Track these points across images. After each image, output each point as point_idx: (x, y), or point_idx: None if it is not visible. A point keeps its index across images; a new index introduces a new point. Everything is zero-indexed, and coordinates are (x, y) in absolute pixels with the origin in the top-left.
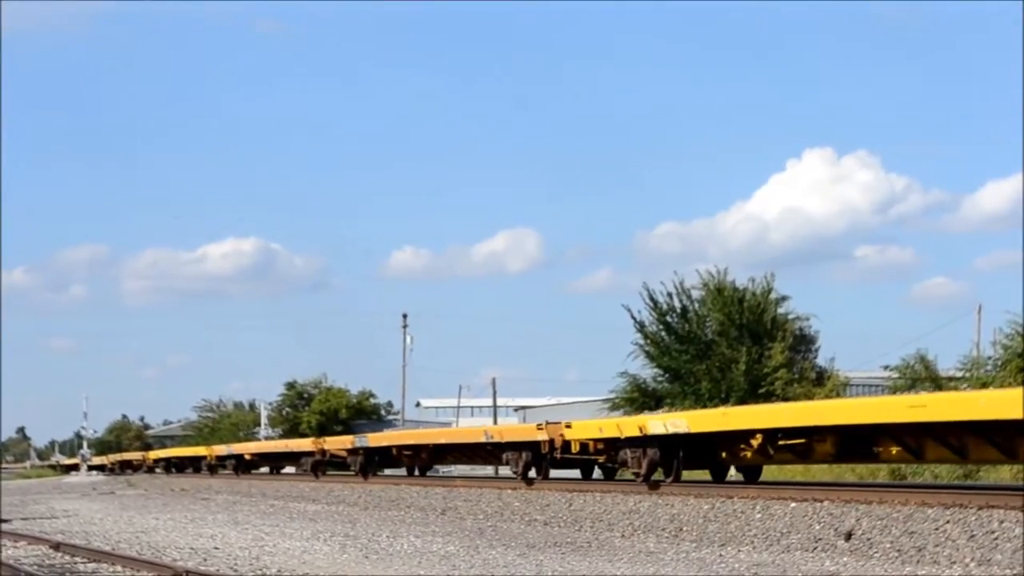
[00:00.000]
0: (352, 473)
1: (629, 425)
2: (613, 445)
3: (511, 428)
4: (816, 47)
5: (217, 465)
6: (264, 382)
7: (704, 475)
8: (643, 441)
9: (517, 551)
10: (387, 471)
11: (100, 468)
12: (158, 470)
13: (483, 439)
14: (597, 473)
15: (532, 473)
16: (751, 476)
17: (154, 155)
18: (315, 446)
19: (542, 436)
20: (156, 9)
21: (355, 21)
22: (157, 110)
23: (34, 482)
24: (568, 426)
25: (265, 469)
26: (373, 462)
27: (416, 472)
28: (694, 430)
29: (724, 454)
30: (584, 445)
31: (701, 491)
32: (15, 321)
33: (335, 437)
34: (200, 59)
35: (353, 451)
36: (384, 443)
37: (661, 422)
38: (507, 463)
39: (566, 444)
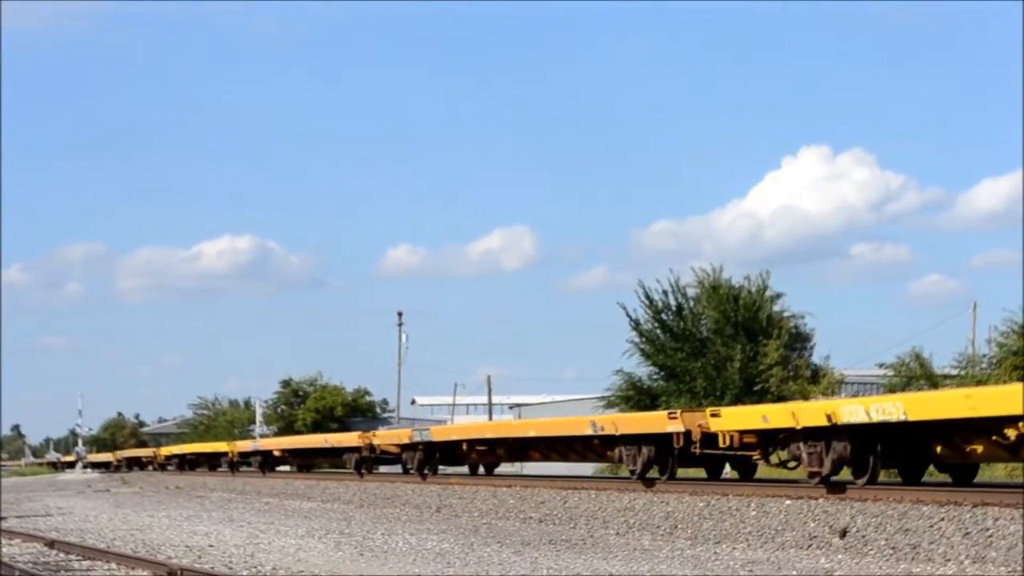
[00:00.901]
0: (405, 471)
1: (810, 412)
2: (771, 438)
3: (630, 418)
4: (812, 45)
5: (240, 462)
6: (259, 380)
7: (700, 472)
8: (827, 432)
9: (512, 548)
10: (448, 469)
11: (106, 465)
12: (170, 467)
13: (590, 431)
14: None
15: (654, 472)
16: (963, 478)
17: (150, 153)
18: (362, 441)
19: (675, 427)
20: (153, 8)
21: (352, 21)
22: (154, 108)
23: (29, 479)
24: (715, 414)
25: (284, 468)
26: (434, 459)
27: (481, 470)
28: (912, 418)
29: (940, 448)
30: (731, 437)
31: (696, 488)
32: (10, 319)
33: (387, 431)
34: (197, 58)
35: (409, 446)
36: (453, 436)
37: (862, 407)
38: (621, 460)
39: (708, 436)
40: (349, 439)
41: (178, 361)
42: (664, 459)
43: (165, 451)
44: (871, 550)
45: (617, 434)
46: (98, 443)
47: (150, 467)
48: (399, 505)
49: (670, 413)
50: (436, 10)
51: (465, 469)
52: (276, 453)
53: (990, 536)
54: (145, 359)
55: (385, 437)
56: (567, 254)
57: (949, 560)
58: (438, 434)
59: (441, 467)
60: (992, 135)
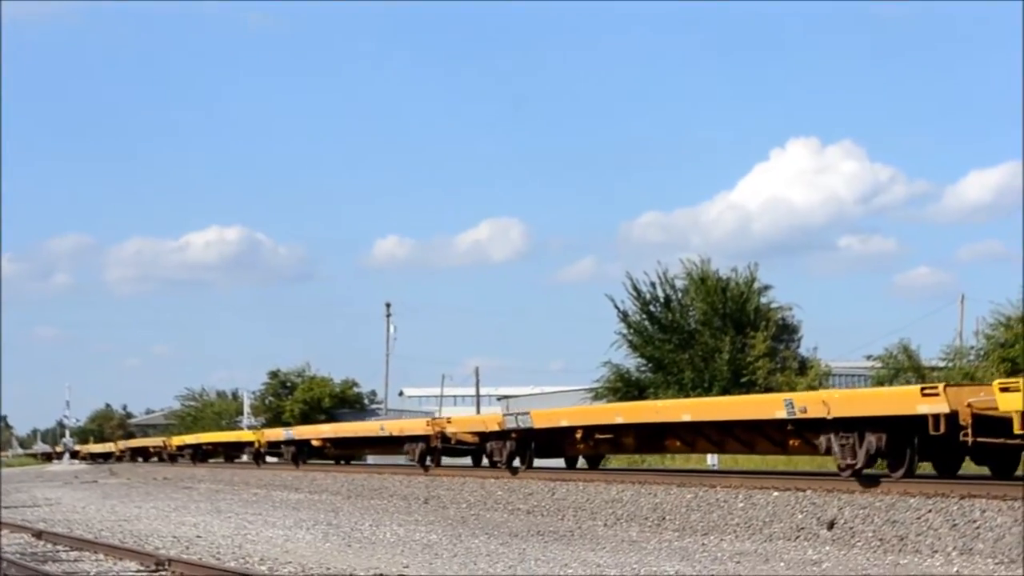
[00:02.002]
0: (491, 464)
1: None
2: None
3: (852, 396)
4: (802, 38)
5: (267, 452)
6: (247, 371)
7: (686, 462)
8: None
9: (500, 540)
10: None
11: (107, 456)
12: (182, 458)
13: (782, 413)
14: None
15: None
16: None
17: (139, 145)
18: (432, 428)
19: (932, 406)
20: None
21: (340, 14)
22: (143, 101)
23: (16, 470)
24: (1008, 387)
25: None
26: (529, 450)
27: (580, 463)
28: None
29: None
30: None
31: (684, 480)
32: None
33: (467, 416)
34: (188, 51)
35: (496, 435)
36: (563, 422)
37: None
38: (828, 451)
39: (984, 420)
40: (414, 426)
41: (166, 352)
42: (899, 450)
43: (177, 440)
44: (859, 542)
45: (828, 417)
46: (85, 434)
47: (155, 459)
48: (387, 496)
49: (924, 388)
50: (425, 3)
51: (557, 462)
52: (315, 442)
53: (977, 528)
54: (133, 350)
55: (463, 424)
56: (555, 246)
57: (936, 552)
58: (541, 419)
59: (536, 460)
60: (981, 127)
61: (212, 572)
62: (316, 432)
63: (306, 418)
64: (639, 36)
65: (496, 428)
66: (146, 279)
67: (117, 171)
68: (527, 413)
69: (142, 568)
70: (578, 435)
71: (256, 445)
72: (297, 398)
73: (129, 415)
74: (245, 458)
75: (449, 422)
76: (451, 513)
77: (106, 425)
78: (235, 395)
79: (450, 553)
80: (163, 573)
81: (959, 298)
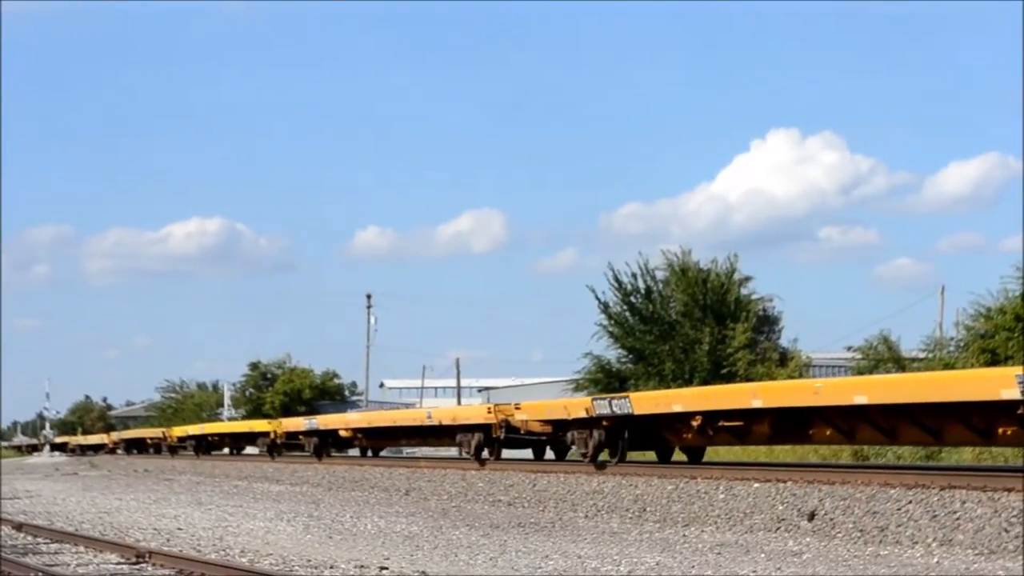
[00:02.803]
0: (581, 456)
1: None
2: None
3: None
4: (782, 29)
5: (283, 444)
6: (228, 363)
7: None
8: None
9: (481, 531)
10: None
11: (97, 448)
12: (183, 451)
13: (1005, 394)
14: None
15: None
16: None
17: (119, 135)
18: (495, 416)
19: None
20: None
21: (321, 7)
22: (122, 90)
23: None
24: None
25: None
26: (621, 440)
27: (688, 458)
28: None
29: None
30: None
31: (665, 471)
32: None
33: (537, 402)
34: (167, 41)
35: (581, 422)
36: (675, 407)
37: None
38: None
39: None
40: (470, 414)
41: (146, 344)
42: None
43: (179, 431)
44: (839, 532)
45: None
46: (66, 426)
47: (152, 451)
48: (367, 488)
49: None
50: None
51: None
52: (343, 433)
53: (958, 519)
54: (113, 342)
55: (536, 411)
56: (537, 237)
57: (917, 543)
58: (645, 404)
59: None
60: (961, 118)
61: (193, 564)
62: (344, 421)
63: (287, 410)
64: (621, 28)
65: (582, 414)
66: (126, 270)
67: (97, 162)
68: (625, 397)
69: (123, 560)
70: (695, 422)
71: (272, 436)
72: (278, 390)
73: (109, 407)
74: (254, 451)
75: (518, 408)
76: (432, 505)
77: (86, 417)
78: (215, 387)
79: (431, 545)
80: (144, 565)
81: (939, 289)
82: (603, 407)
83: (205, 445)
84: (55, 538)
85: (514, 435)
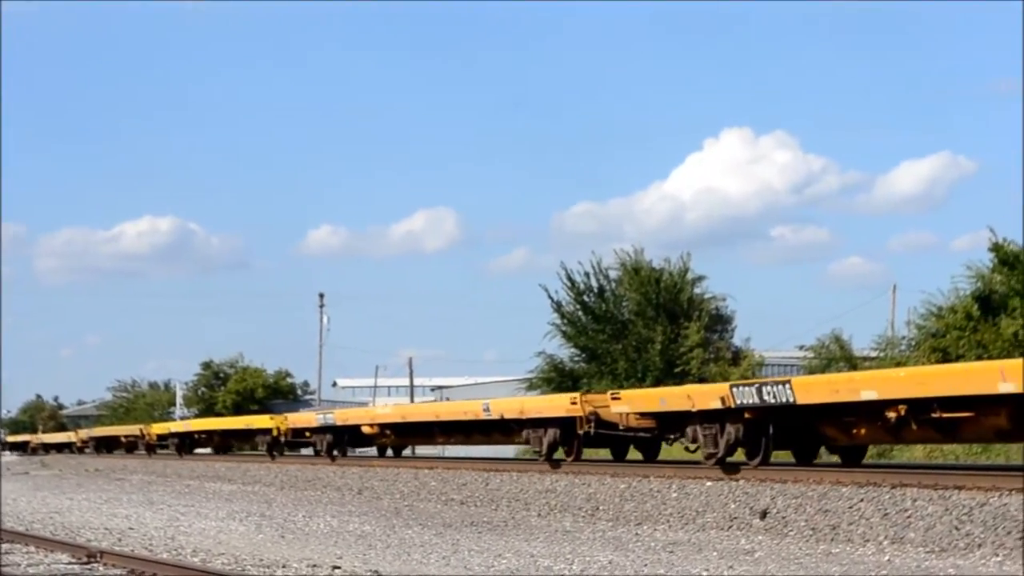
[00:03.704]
0: (717, 458)
1: None
2: None
3: None
4: (734, 27)
5: (290, 442)
6: (180, 362)
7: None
8: None
9: (434, 530)
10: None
11: (62, 447)
12: (164, 450)
13: None
14: None
15: None
16: None
17: (70, 133)
18: (581, 408)
19: None
20: None
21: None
22: (73, 87)
23: None
24: None
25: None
26: (767, 437)
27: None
28: None
29: None
30: None
31: (617, 470)
32: None
33: (643, 391)
34: (118, 36)
35: (713, 415)
36: (865, 394)
37: None
38: None
39: None
40: (546, 406)
41: (97, 343)
42: None
43: (159, 428)
44: (791, 531)
45: None
46: (17, 426)
47: (124, 450)
48: (320, 488)
49: None
50: None
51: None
52: (367, 430)
53: (909, 517)
54: (64, 341)
55: (640, 401)
56: (489, 236)
57: (868, 540)
58: (814, 391)
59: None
60: (912, 118)
61: (145, 564)
62: (371, 416)
63: (239, 409)
64: (572, 26)
65: (715, 405)
66: (78, 270)
67: (49, 160)
68: (785, 383)
69: (74, 560)
70: (892, 413)
71: (275, 432)
72: (230, 389)
73: (61, 406)
74: (261, 449)
75: (616, 398)
76: (385, 504)
77: (37, 416)
78: (167, 386)
79: (384, 544)
80: (95, 565)
81: (891, 288)
82: (748, 395)
83: (189, 444)
84: (5, 538)
85: (607, 431)
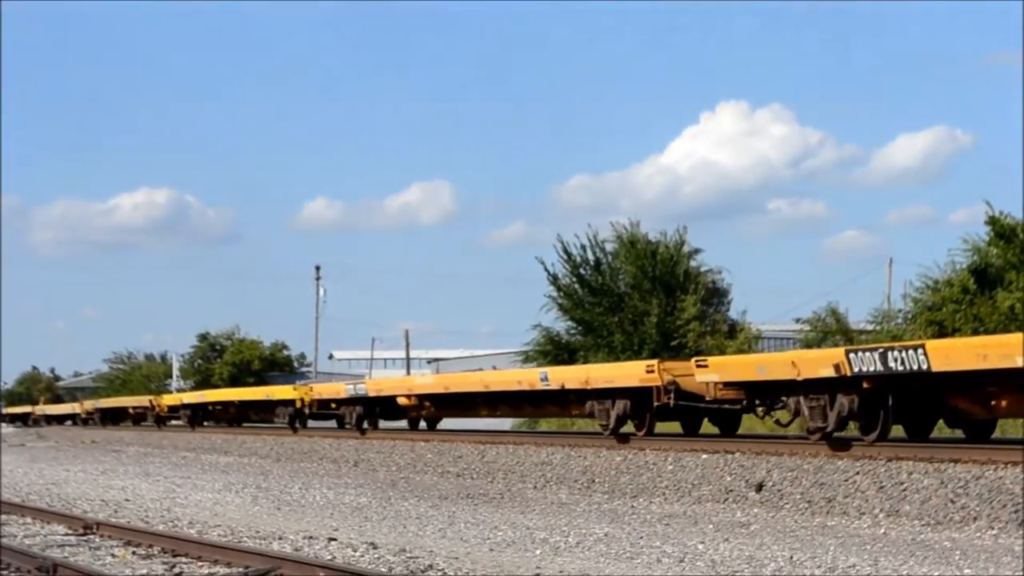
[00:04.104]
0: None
1: None
2: None
3: None
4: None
5: (315, 415)
6: (176, 334)
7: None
8: None
9: (430, 503)
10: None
11: (66, 419)
12: (177, 422)
13: None
14: None
15: None
16: None
17: (65, 103)
18: (659, 377)
19: None
20: None
21: None
22: (67, 59)
23: None
24: None
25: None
26: (886, 410)
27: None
28: None
29: None
30: None
31: (613, 443)
32: None
33: (734, 358)
34: (114, 11)
35: (824, 384)
36: (1020, 359)
37: None
38: None
39: None
40: (619, 374)
41: (93, 315)
42: None
43: (170, 399)
44: (787, 504)
45: None
46: (13, 397)
47: (130, 422)
48: (316, 460)
49: None
50: None
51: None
52: (403, 401)
53: (904, 490)
54: (60, 313)
55: (734, 369)
56: (485, 209)
57: (864, 514)
58: (957, 357)
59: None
60: (909, 91)
61: (141, 535)
62: (408, 386)
63: (235, 381)
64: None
65: (827, 373)
66: (73, 242)
67: (44, 132)
68: (918, 346)
69: (70, 531)
70: None
71: (299, 404)
72: (227, 361)
73: (57, 378)
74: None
75: (703, 366)
76: (381, 476)
77: (34, 388)
78: (164, 358)
79: (380, 516)
80: (91, 536)
81: (887, 262)
82: (868, 362)
83: (202, 415)
84: (2, 510)
85: (690, 402)
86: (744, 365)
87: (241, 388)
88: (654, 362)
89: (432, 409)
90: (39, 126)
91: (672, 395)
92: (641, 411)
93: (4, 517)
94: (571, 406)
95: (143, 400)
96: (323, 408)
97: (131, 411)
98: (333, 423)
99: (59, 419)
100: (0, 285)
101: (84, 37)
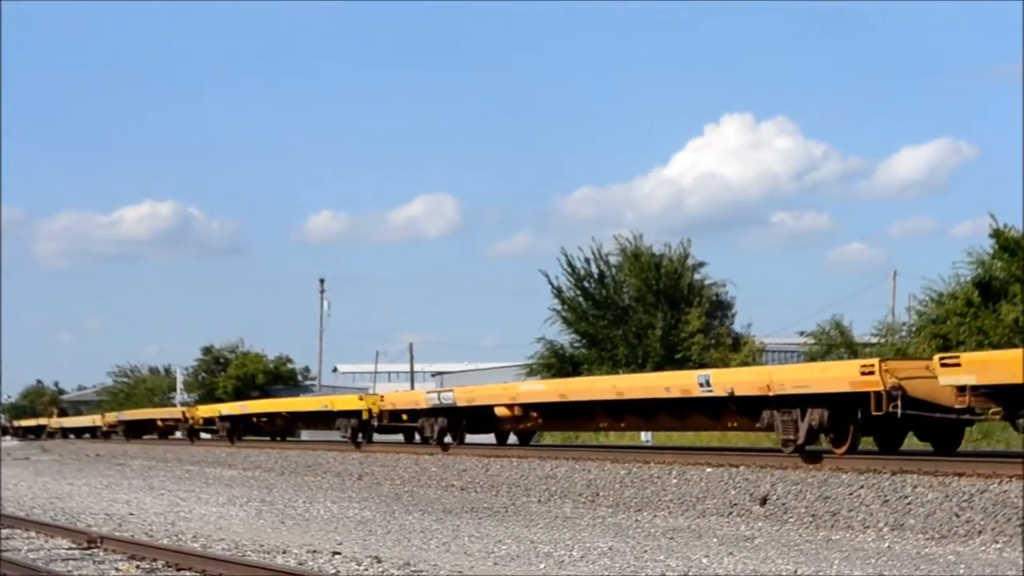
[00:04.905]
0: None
1: None
2: None
3: None
4: (736, 12)
5: (384, 427)
6: (180, 347)
7: (620, 439)
8: None
9: (434, 516)
10: None
11: (80, 433)
12: (214, 435)
13: None
14: None
15: None
16: None
17: (70, 115)
18: (879, 377)
19: None
20: None
21: None
22: (74, 71)
23: None
24: None
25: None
26: None
27: None
28: None
29: None
30: None
31: (617, 456)
32: None
33: (987, 354)
34: (118, 21)
35: None
36: None
37: None
38: None
39: None
40: (823, 376)
41: (97, 327)
42: None
43: (205, 411)
44: (791, 517)
45: None
46: (17, 411)
47: (156, 435)
48: (320, 473)
49: None
50: None
51: None
52: (502, 412)
53: (909, 503)
54: (64, 325)
55: (995, 368)
56: (489, 221)
57: (868, 527)
58: None
59: None
60: (913, 104)
61: (145, 549)
62: (510, 395)
63: (239, 394)
64: (573, 10)
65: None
66: (77, 254)
67: (48, 143)
68: None
69: (74, 545)
70: None
71: (365, 415)
72: (231, 374)
73: (61, 391)
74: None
75: (952, 365)
76: (385, 490)
77: (38, 401)
78: (168, 371)
79: (384, 530)
80: (95, 550)
81: (891, 274)
82: None
83: (243, 428)
84: (6, 524)
85: (921, 411)
86: (1016, 363)
87: (291, 399)
88: (872, 361)
89: (539, 421)
90: (44, 138)
91: (898, 402)
92: (842, 423)
93: (8, 531)
94: (728, 416)
95: (174, 412)
96: (394, 420)
97: (160, 423)
98: (399, 437)
99: (77, 432)
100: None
101: (91, 50)
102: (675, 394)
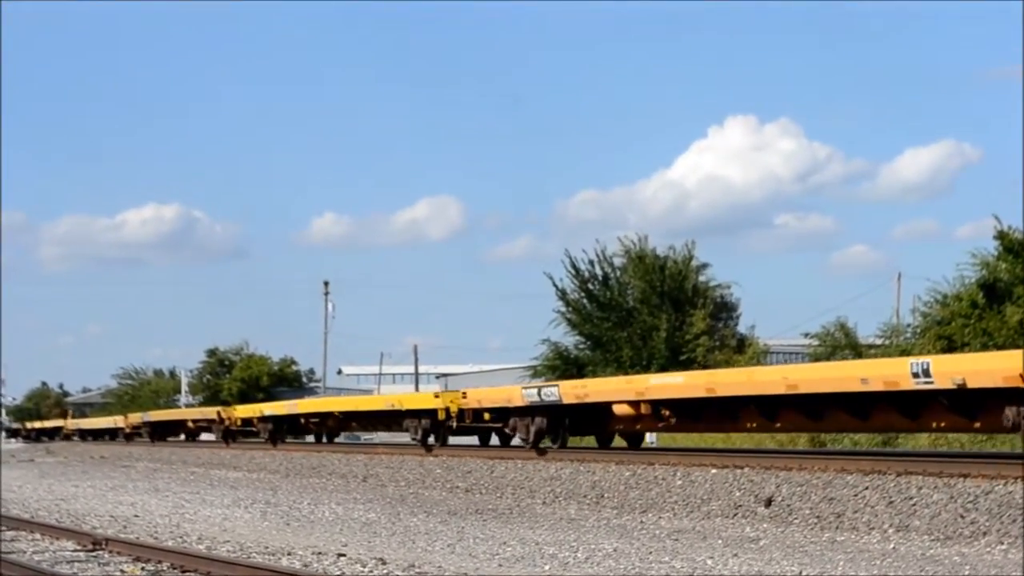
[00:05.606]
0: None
1: None
2: None
3: None
4: (739, 14)
5: (464, 429)
6: (184, 349)
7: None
8: None
9: (439, 518)
10: None
11: (99, 435)
12: (257, 437)
13: None
14: None
15: None
16: None
17: (73, 119)
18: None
19: None
20: None
21: None
22: (75, 73)
23: None
24: None
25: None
26: None
27: None
28: None
29: None
30: None
31: (623, 458)
32: None
33: None
34: (120, 24)
35: None
36: None
37: None
38: None
39: None
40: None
41: (101, 330)
42: None
43: (244, 411)
44: (796, 519)
45: None
46: (22, 413)
47: (183, 436)
48: (325, 475)
49: None
50: None
51: None
52: (622, 410)
53: (914, 505)
54: (67, 328)
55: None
56: (492, 223)
57: (873, 529)
58: None
59: None
60: (916, 105)
61: (150, 551)
62: (635, 389)
63: (244, 397)
64: (576, 12)
65: None
66: (80, 257)
67: (50, 146)
68: None
69: (79, 547)
70: None
71: (441, 415)
72: (235, 376)
73: (66, 393)
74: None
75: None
76: (390, 491)
77: (43, 404)
78: (172, 373)
79: (389, 532)
80: (100, 552)
81: (895, 276)
82: None
83: (288, 429)
84: (10, 526)
85: None
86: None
87: (350, 397)
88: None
89: (672, 421)
90: (45, 142)
91: None
92: None
93: (12, 533)
94: (930, 415)
95: (208, 412)
96: (476, 420)
97: (191, 424)
98: (475, 439)
99: (95, 434)
100: (0, 301)
101: (93, 52)
102: (875, 387)
